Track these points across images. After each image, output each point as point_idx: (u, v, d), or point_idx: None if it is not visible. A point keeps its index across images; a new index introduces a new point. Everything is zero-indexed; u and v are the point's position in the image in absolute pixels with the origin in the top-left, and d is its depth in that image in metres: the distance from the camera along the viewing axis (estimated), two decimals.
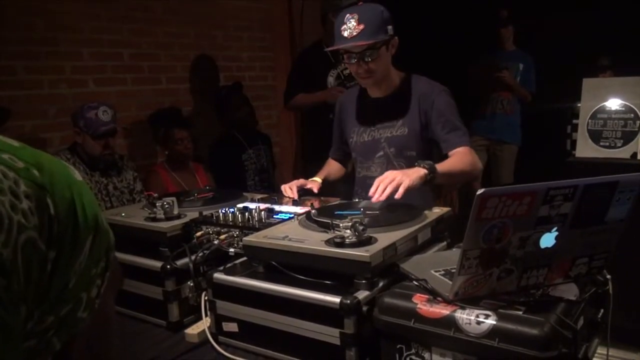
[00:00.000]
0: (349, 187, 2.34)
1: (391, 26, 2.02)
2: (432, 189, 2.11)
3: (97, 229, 0.56)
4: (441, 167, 1.85)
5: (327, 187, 2.20)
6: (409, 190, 1.68)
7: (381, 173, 2.06)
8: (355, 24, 1.94)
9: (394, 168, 2.09)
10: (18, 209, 0.47)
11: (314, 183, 2.16)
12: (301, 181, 2.13)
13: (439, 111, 2.07)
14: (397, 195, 1.64)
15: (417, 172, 1.74)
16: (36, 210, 0.48)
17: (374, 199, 1.67)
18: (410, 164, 2.04)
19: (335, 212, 1.56)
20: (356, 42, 1.95)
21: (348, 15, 1.97)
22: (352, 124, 2.26)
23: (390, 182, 1.67)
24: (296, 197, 2.01)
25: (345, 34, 1.96)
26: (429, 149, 2.12)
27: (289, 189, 2.05)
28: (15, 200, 0.47)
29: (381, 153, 2.16)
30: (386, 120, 2.14)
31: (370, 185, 2.09)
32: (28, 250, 0.47)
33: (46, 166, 0.52)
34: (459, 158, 2.00)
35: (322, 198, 2.01)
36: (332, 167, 2.38)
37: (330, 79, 3.36)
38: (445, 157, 2.04)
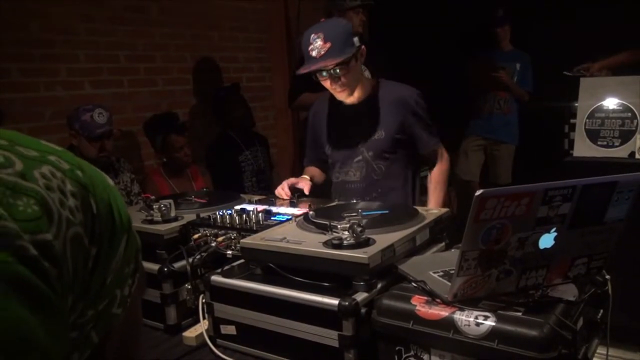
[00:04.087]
0: (324, 193, 2.36)
1: (357, 37, 2.04)
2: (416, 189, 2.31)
3: (129, 231, 0.59)
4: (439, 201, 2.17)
5: (323, 194, 2.20)
6: None
7: (360, 177, 2.20)
8: (321, 43, 1.96)
9: (373, 171, 2.18)
10: (66, 205, 0.50)
11: (305, 181, 2.16)
12: (291, 180, 2.14)
13: (416, 115, 2.17)
14: None
15: None
16: (81, 208, 0.52)
17: None
18: (388, 165, 2.19)
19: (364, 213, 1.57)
20: (325, 61, 1.96)
21: (313, 35, 1.98)
22: (327, 132, 2.29)
23: None
24: (290, 197, 2.01)
25: (314, 53, 1.98)
26: (405, 150, 2.21)
27: (282, 191, 2.06)
28: (63, 198, 0.50)
29: (359, 157, 2.20)
30: (362, 125, 2.19)
31: (352, 190, 2.19)
32: (75, 244, 0.50)
33: (86, 169, 0.56)
34: (441, 181, 2.27)
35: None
36: (315, 171, 2.39)
37: None
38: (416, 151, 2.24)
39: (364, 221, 1.36)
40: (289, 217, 1.67)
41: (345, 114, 2.22)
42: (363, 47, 2.07)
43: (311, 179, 2.26)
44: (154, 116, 3.40)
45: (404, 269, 1.30)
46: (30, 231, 0.45)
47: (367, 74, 2.23)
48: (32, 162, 0.50)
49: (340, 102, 2.21)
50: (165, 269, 1.56)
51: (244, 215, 1.66)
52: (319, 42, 1.96)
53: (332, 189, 2.32)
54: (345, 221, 1.33)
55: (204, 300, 1.49)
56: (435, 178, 2.29)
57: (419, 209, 1.66)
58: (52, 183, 0.50)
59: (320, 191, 2.26)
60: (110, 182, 0.60)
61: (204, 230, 1.64)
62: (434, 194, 2.27)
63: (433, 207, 2.20)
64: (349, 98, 2.17)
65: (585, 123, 2.83)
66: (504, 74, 4.27)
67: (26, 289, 0.43)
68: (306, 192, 2.10)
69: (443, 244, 1.61)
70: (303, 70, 2.04)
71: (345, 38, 1.98)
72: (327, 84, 2.07)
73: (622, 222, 1.12)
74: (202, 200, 1.96)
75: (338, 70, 2.00)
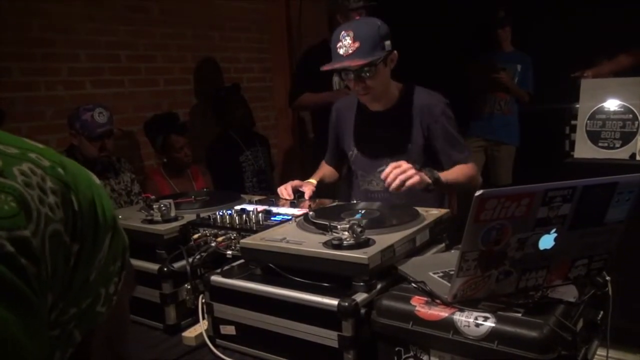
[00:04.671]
0: (346, 197, 2.33)
1: (389, 41, 1.97)
2: (437, 196, 2.17)
3: (115, 228, 0.59)
4: (445, 178, 1.90)
5: (325, 194, 2.19)
6: (413, 188, 1.74)
7: (383, 187, 2.08)
8: (350, 41, 1.89)
9: None
10: (45, 202, 0.49)
11: (309, 185, 2.14)
12: (296, 182, 2.11)
13: (442, 127, 2.06)
14: (403, 188, 1.67)
15: (424, 176, 1.79)
16: (62, 205, 0.51)
17: (387, 186, 1.68)
18: None
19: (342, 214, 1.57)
20: (351, 61, 1.90)
21: (343, 32, 1.92)
22: (351, 137, 2.23)
23: (402, 173, 1.68)
24: (292, 198, 2.00)
25: (341, 51, 1.91)
26: (430, 162, 2.10)
27: (285, 191, 2.04)
28: (42, 195, 0.49)
29: (383, 167, 2.13)
30: (387, 134, 2.12)
31: (373, 200, 2.11)
32: (55, 241, 0.49)
33: (69, 167, 0.55)
34: (462, 171, 2.03)
35: (317, 200, 2.00)
36: (327, 171, 2.38)
37: (336, 79, 3.28)
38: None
39: (364, 222, 1.35)
40: (289, 217, 1.67)
41: (370, 121, 2.15)
42: (395, 52, 2.01)
43: (322, 180, 2.23)
44: (154, 116, 3.40)
45: (404, 269, 1.30)
46: (7, 228, 0.45)
47: None
48: (12, 159, 0.50)
49: (367, 109, 2.15)
50: (165, 269, 1.56)
51: (244, 216, 1.66)
52: (347, 40, 1.89)
53: (355, 196, 2.24)
54: (345, 221, 1.33)
55: (203, 300, 1.49)
56: (465, 165, 2.07)
57: (419, 209, 1.66)
58: (32, 180, 0.50)
59: (331, 195, 2.24)
60: (96, 180, 0.60)
61: (204, 230, 1.64)
62: (448, 171, 2.03)
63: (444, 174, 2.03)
64: (375, 105, 2.11)
65: (586, 124, 2.82)
66: (504, 75, 4.27)
67: (2, 287, 0.43)
68: (306, 197, 2.07)
69: (443, 244, 1.61)
70: (327, 67, 1.97)
71: (375, 40, 1.91)
72: (351, 84, 2.01)
73: (622, 223, 1.12)
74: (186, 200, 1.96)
75: (366, 72, 1.93)
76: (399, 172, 1.69)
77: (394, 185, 1.69)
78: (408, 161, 1.85)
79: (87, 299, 0.55)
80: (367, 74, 1.95)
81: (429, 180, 1.82)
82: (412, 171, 1.72)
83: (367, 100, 2.09)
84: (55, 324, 0.51)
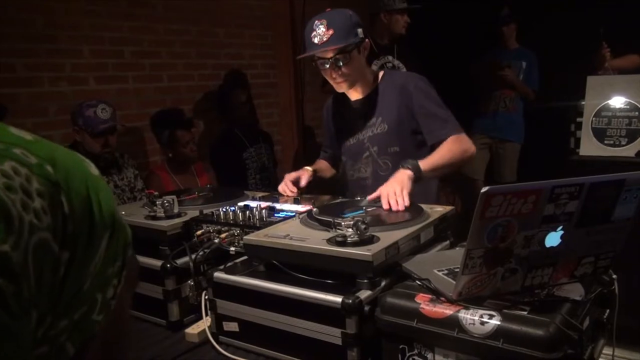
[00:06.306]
0: (338, 191, 2.34)
1: (361, 29, 2.02)
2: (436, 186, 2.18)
3: (113, 226, 0.54)
4: (426, 164, 1.87)
5: (319, 191, 2.18)
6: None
7: (370, 172, 2.14)
8: (324, 29, 1.95)
9: (379, 167, 2.13)
10: (30, 208, 0.44)
11: (304, 172, 2.15)
12: (292, 175, 2.12)
13: (418, 104, 2.07)
14: (407, 203, 1.66)
15: (405, 175, 1.78)
16: (49, 209, 0.46)
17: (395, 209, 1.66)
18: (394, 160, 2.09)
19: (344, 213, 1.56)
20: (327, 47, 1.95)
21: (317, 21, 1.97)
22: (338, 130, 2.28)
23: (395, 197, 1.67)
24: (295, 192, 2.01)
25: (316, 40, 1.96)
26: (412, 142, 2.11)
27: (285, 187, 2.06)
28: (27, 199, 0.44)
29: (367, 153, 2.17)
30: (366, 120, 2.16)
31: (366, 187, 2.13)
32: (40, 252, 0.44)
33: (60, 161, 0.50)
34: (446, 148, 1.98)
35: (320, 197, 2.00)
36: (322, 164, 2.39)
37: (374, 69, 3.36)
38: (432, 147, 2.05)
39: (368, 218, 1.35)
40: (293, 214, 1.67)
41: (352, 110, 2.19)
42: (367, 40, 2.05)
43: (316, 172, 2.24)
44: (160, 111, 3.41)
45: (408, 266, 1.29)
46: None
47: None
48: None
49: (347, 98, 2.19)
50: (168, 265, 1.56)
51: (248, 212, 1.66)
52: (321, 29, 1.94)
53: (349, 187, 2.27)
54: (349, 218, 1.32)
55: (206, 297, 1.48)
56: (449, 140, 1.99)
57: (424, 206, 1.65)
58: (14, 182, 0.44)
59: (329, 189, 2.23)
60: (94, 171, 0.54)
61: (207, 227, 1.64)
62: (430, 155, 1.96)
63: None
64: (353, 93, 2.15)
65: (592, 122, 2.81)
66: (509, 72, 4.25)
67: None
68: (302, 183, 2.09)
69: (447, 242, 1.60)
70: (303, 55, 2.03)
71: (348, 27, 1.97)
72: (327, 73, 2.05)
73: (629, 220, 1.11)
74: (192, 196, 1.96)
75: (340, 60, 1.97)
76: (394, 197, 1.67)
77: (401, 207, 1.67)
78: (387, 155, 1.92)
79: (80, 309, 0.50)
80: (342, 62, 1.98)
81: (410, 172, 1.81)
82: (399, 187, 1.70)
83: (345, 88, 2.12)
84: (43, 340, 0.46)
